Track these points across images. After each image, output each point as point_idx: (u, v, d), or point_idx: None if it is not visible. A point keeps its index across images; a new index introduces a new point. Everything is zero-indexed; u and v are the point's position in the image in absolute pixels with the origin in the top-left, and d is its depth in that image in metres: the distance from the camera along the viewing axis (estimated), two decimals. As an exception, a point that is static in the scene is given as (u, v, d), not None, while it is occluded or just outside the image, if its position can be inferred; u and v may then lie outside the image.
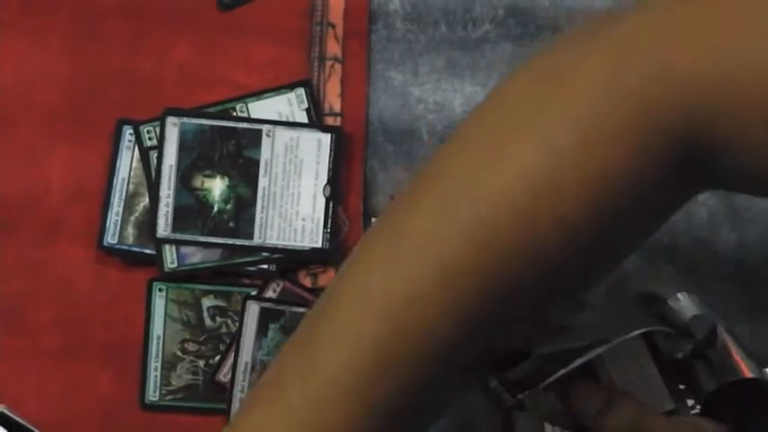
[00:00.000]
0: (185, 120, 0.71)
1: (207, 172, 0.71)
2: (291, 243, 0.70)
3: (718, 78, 0.45)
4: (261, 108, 0.72)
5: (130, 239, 0.71)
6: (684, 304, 0.65)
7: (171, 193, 0.71)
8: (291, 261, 0.70)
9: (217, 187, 0.71)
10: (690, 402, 0.63)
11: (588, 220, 0.47)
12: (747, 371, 0.61)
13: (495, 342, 0.52)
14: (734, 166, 0.47)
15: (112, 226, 0.71)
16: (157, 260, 0.70)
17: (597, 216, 0.47)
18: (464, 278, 0.48)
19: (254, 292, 0.70)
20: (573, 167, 0.47)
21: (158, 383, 0.70)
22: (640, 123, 0.46)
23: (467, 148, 0.50)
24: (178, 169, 0.71)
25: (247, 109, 0.72)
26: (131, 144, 0.72)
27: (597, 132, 0.47)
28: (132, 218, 0.71)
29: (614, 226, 0.48)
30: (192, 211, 0.71)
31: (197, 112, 0.71)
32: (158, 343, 0.70)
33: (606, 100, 0.47)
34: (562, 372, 0.60)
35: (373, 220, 0.71)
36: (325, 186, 0.71)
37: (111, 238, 0.71)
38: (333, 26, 0.74)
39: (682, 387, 0.63)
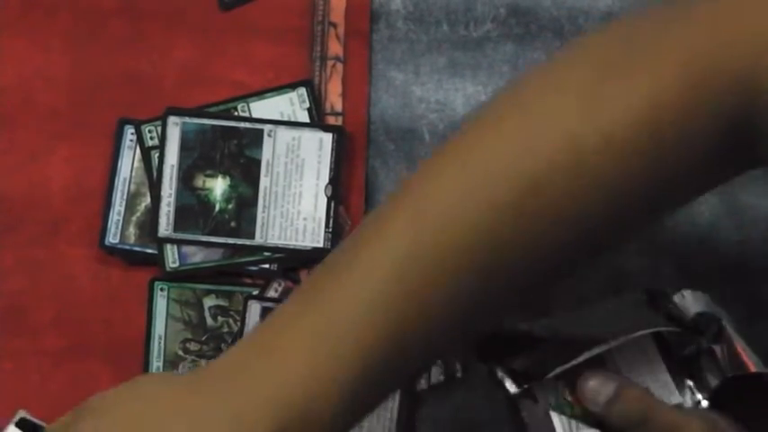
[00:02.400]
0: (187, 119, 0.71)
1: (208, 171, 0.71)
2: (293, 242, 0.70)
3: None
4: (262, 108, 0.72)
5: (132, 239, 0.71)
6: (690, 301, 0.65)
7: (172, 192, 0.71)
8: (293, 260, 0.70)
9: (218, 187, 0.71)
10: (697, 397, 0.63)
11: (633, 143, 0.49)
12: (753, 366, 0.62)
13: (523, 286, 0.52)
14: None
15: (114, 226, 0.71)
16: (159, 260, 0.70)
17: (642, 141, 0.49)
18: (501, 196, 0.50)
19: (255, 292, 0.70)
20: (623, 89, 0.49)
21: (160, 382, 0.70)
22: (693, 73, 0.48)
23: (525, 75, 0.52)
24: (180, 169, 0.71)
25: (249, 108, 0.72)
26: (133, 144, 0.72)
27: (650, 62, 0.49)
28: (134, 217, 0.71)
29: (657, 160, 0.49)
30: (193, 210, 0.71)
31: (198, 112, 0.71)
32: (160, 342, 0.70)
33: (661, 47, 0.49)
34: (572, 363, 0.60)
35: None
36: (326, 186, 0.71)
37: (112, 238, 0.71)
38: (334, 26, 0.74)
39: (689, 382, 0.64)
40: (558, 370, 0.60)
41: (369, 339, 0.50)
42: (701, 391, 0.63)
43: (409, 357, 0.51)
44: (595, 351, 0.61)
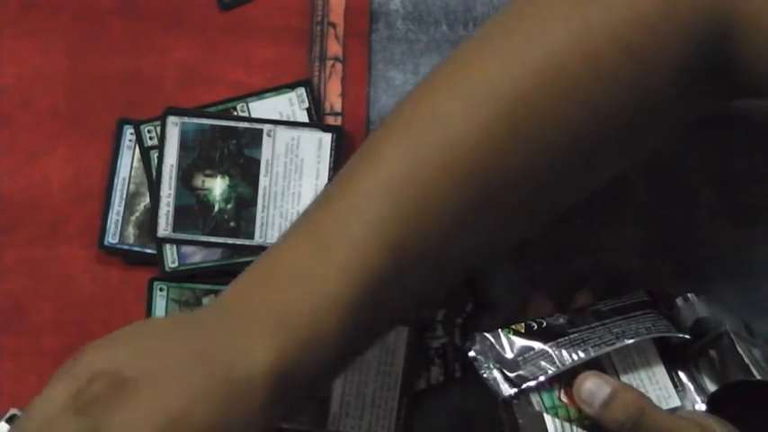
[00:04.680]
0: (186, 119, 0.71)
1: (208, 171, 0.71)
2: (292, 242, 0.70)
3: None
4: (262, 108, 0.72)
5: (131, 239, 0.71)
6: (692, 304, 0.65)
7: (172, 192, 0.71)
8: (292, 260, 0.70)
9: (218, 187, 0.71)
10: (696, 401, 0.63)
11: (615, 63, 0.51)
12: (753, 373, 0.62)
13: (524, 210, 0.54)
14: (750, 54, 0.51)
15: (113, 226, 0.71)
16: (158, 260, 0.70)
17: (622, 61, 0.51)
18: (492, 109, 0.51)
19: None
20: (603, 8, 0.51)
21: (159, 383, 0.70)
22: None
23: (513, 6, 0.55)
24: (179, 169, 0.71)
25: (248, 108, 0.72)
26: (132, 144, 0.72)
27: None
28: (133, 217, 0.71)
29: (639, 82, 0.51)
30: (192, 210, 0.71)
31: (198, 112, 0.71)
32: (159, 343, 0.70)
33: None
34: (569, 365, 0.60)
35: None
36: (326, 186, 0.71)
37: (111, 238, 0.71)
38: (333, 26, 0.74)
39: (689, 385, 0.63)
40: (555, 372, 0.60)
41: (370, 256, 0.50)
42: (699, 394, 0.63)
43: (409, 280, 0.52)
44: (592, 354, 0.61)
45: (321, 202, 0.54)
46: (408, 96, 0.55)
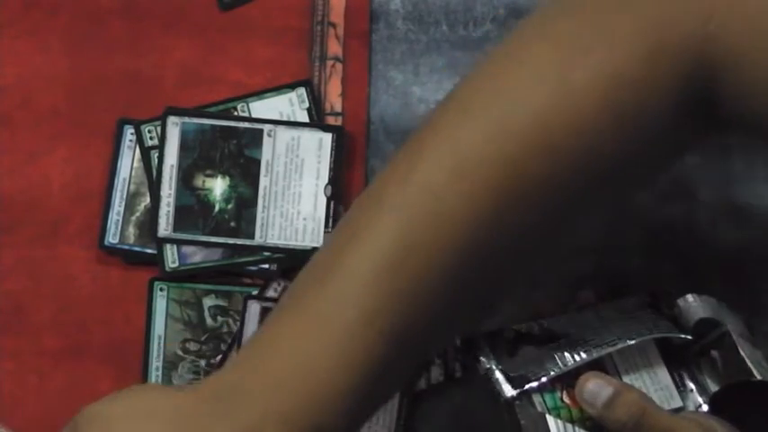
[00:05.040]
0: (186, 119, 0.71)
1: (208, 171, 0.71)
2: (293, 243, 0.70)
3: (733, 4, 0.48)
4: (262, 108, 0.72)
5: (131, 239, 0.71)
6: (693, 305, 0.65)
7: (172, 192, 0.71)
8: (293, 261, 0.70)
9: (218, 187, 0.71)
10: (699, 401, 0.63)
11: (598, 121, 0.50)
12: (754, 373, 0.62)
13: (502, 275, 0.53)
14: (736, 93, 0.49)
15: (113, 226, 0.71)
16: (158, 260, 0.70)
17: (606, 119, 0.50)
18: (481, 177, 0.50)
19: (255, 292, 0.70)
20: (584, 69, 0.50)
21: (160, 383, 0.70)
22: (650, 34, 0.49)
23: (489, 63, 0.53)
24: (179, 169, 0.71)
25: (248, 108, 0.72)
26: (132, 144, 0.72)
27: (607, 40, 0.50)
28: (133, 217, 0.71)
29: (621, 134, 0.50)
30: (193, 210, 0.71)
31: (198, 112, 0.71)
32: (159, 343, 0.70)
33: (618, 15, 0.50)
34: (571, 366, 0.60)
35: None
36: (326, 186, 0.71)
37: (112, 238, 0.71)
38: (334, 26, 0.74)
39: (691, 385, 0.64)
40: (557, 373, 0.60)
41: (368, 344, 0.49)
42: (701, 395, 0.63)
43: (405, 358, 0.51)
44: (594, 355, 0.61)
45: (311, 281, 0.52)
46: (394, 166, 0.53)
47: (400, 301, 0.49)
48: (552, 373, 0.60)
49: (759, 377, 0.61)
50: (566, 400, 0.61)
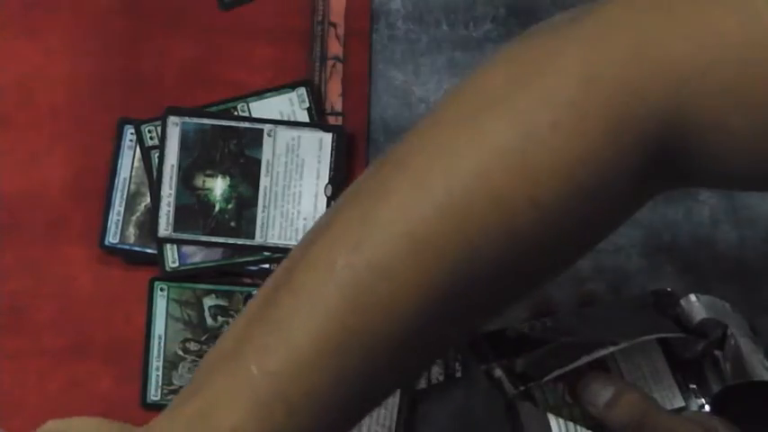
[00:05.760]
0: (186, 119, 0.71)
1: (208, 171, 0.71)
2: (293, 242, 0.70)
3: (696, 60, 0.46)
4: (262, 107, 0.72)
5: (132, 239, 0.71)
6: (696, 305, 0.65)
7: (172, 192, 0.71)
8: (293, 260, 0.70)
9: (218, 187, 0.71)
10: (701, 401, 0.63)
11: (562, 203, 0.47)
12: (756, 374, 0.62)
13: (456, 329, 0.51)
14: (706, 156, 0.48)
15: (114, 225, 0.71)
16: (159, 260, 0.70)
17: (570, 199, 0.47)
18: (435, 255, 0.47)
19: (255, 292, 0.70)
20: (548, 150, 0.47)
21: (160, 383, 0.70)
22: (616, 107, 0.47)
23: (441, 127, 0.49)
24: (179, 169, 0.71)
25: (248, 108, 0.72)
26: (132, 143, 0.72)
27: (573, 115, 0.47)
28: (134, 217, 0.71)
29: (585, 212, 0.48)
30: (193, 210, 0.71)
31: (198, 112, 0.71)
32: (160, 342, 0.70)
33: (583, 85, 0.47)
34: (573, 365, 0.60)
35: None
36: (326, 186, 0.71)
37: (112, 238, 0.71)
38: (334, 25, 0.74)
39: (693, 386, 0.64)
40: (559, 372, 0.60)
41: (305, 421, 0.48)
42: (704, 395, 0.63)
43: (353, 417, 0.50)
44: (596, 354, 0.61)
45: (282, 276, 0.51)
46: (344, 226, 0.49)
47: (343, 382, 0.48)
48: (555, 372, 0.60)
49: (762, 378, 0.61)
50: (568, 399, 0.61)
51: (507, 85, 0.49)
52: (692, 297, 0.65)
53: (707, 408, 0.63)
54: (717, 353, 0.63)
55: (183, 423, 0.48)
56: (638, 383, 0.62)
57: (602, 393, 0.59)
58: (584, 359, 0.60)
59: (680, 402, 0.63)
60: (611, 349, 0.61)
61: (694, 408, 0.63)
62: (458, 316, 0.49)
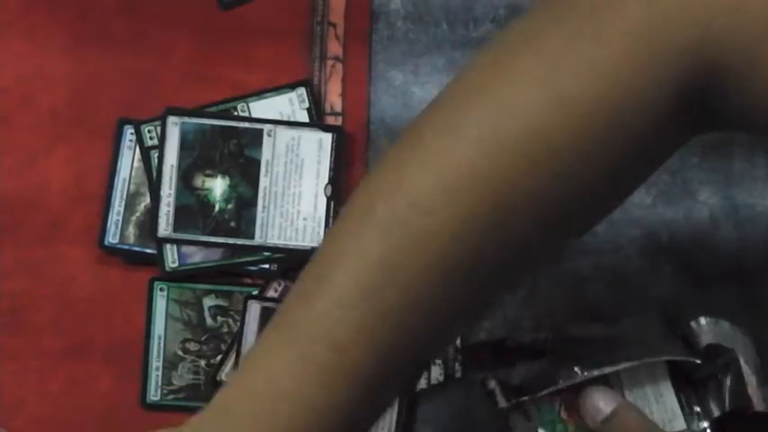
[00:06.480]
0: (186, 119, 0.71)
1: (208, 171, 0.71)
2: (293, 243, 0.70)
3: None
4: (262, 107, 0.72)
5: (131, 239, 0.71)
6: (705, 329, 0.65)
7: (172, 192, 0.71)
8: (293, 261, 0.70)
9: (218, 187, 0.71)
10: (703, 425, 0.63)
11: (600, 140, 0.48)
12: (755, 403, 0.62)
13: (496, 269, 0.51)
14: (738, 95, 0.48)
15: (113, 226, 0.71)
16: (158, 260, 0.70)
17: (607, 137, 0.48)
18: (476, 189, 0.48)
19: (255, 292, 0.70)
20: (581, 87, 0.48)
21: (160, 383, 0.70)
22: (647, 43, 0.48)
23: (476, 72, 0.51)
24: (179, 169, 0.71)
25: (248, 108, 0.72)
26: (132, 144, 0.72)
27: (605, 53, 0.48)
28: (133, 217, 0.71)
29: (622, 151, 0.49)
30: (193, 210, 0.71)
31: (198, 112, 0.71)
32: (159, 342, 0.70)
33: (614, 23, 0.48)
34: (571, 382, 0.60)
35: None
36: (326, 186, 0.71)
37: (112, 238, 0.71)
38: (334, 26, 0.74)
39: (696, 408, 0.63)
40: (555, 388, 0.60)
41: (356, 362, 0.49)
42: (706, 419, 0.63)
43: (396, 372, 0.51)
44: (596, 373, 0.60)
45: (297, 299, 0.51)
46: (383, 176, 0.51)
47: (387, 320, 0.49)
48: (551, 387, 0.60)
49: (758, 408, 0.61)
50: (563, 414, 0.61)
51: (540, 25, 0.50)
52: (702, 320, 0.65)
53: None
54: (721, 377, 0.63)
55: (232, 380, 0.50)
56: (639, 402, 0.62)
57: (601, 408, 0.59)
58: (584, 377, 0.60)
59: (681, 425, 0.63)
60: (613, 369, 0.60)
61: (696, 430, 0.63)
62: (498, 251, 0.50)
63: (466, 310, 0.52)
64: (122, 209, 0.71)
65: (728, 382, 0.63)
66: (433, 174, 0.49)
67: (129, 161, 0.72)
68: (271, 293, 0.70)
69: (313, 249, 0.70)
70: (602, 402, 0.60)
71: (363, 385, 0.49)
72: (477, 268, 0.50)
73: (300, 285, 0.51)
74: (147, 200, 0.71)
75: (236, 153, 0.71)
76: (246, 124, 0.71)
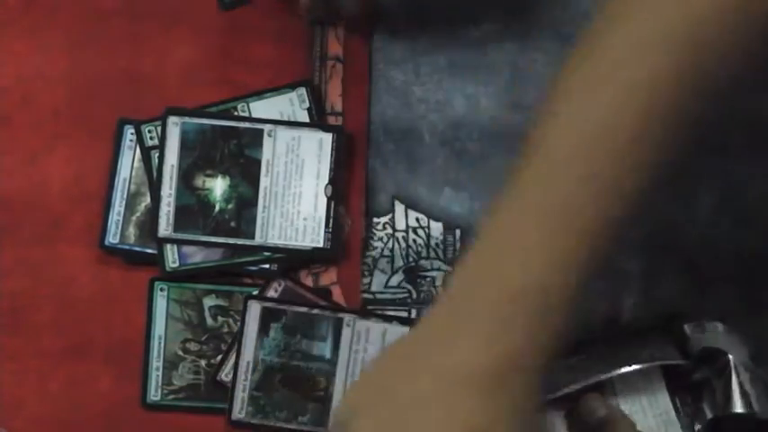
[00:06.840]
0: (187, 119, 0.71)
1: (208, 171, 0.71)
2: (293, 243, 0.70)
3: None
4: (262, 107, 0.72)
5: (132, 239, 0.71)
6: (701, 332, 0.65)
7: (172, 192, 0.70)
8: (293, 260, 0.70)
9: (218, 187, 0.71)
10: (697, 427, 0.63)
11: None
12: (739, 407, 0.62)
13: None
14: None
15: (114, 226, 0.71)
16: (159, 260, 0.70)
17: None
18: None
19: (255, 292, 0.70)
20: None
21: (160, 383, 0.70)
22: None
23: None
24: (179, 169, 0.71)
25: (249, 108, 0.72)
26: (133, 144, 0.72)
27: None
28: (134, 217, 0.71)
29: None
30: (193, 210, 0.71)
31: (198, 112, 0.71)
32: (160, 342, 0.70)
33: None
34: (574, 388, 0.60)
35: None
36: (326, 186, 0.71)
37: (112, 238, 0.71)
38: (334, 25, 0.74)
39: (690, 410, 0.63)
40: (552, 396, 0.60)
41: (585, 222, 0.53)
42: (700, 422, 0.63)
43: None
44: (594, 379, 0.61)
45: (520, 170, 0.54)
46: (587, 54, 0.55)
47: (609, 183, 0.53)
48: (548, 396, 0.60)
49: (741, 410, 0.62)
50: (561, 425, 0.61)
51: None
52: (696, 324, 0.65)
53: None
54: (715, 381, 0.63)
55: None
56: (633, 406, 0.62)
57: (593, 417, 0.60)
58: (580, 384, 0.60)
59: (676, 429, 0.63)
60: (608, 375, 0.61)
61: None
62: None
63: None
64: (123, 209, 0.71)
65: (721, 385, 0.63)
66: (629, 35, 0.53)
67: (129, 161, 0.72)
68: (271, 293, 0.70)
69: (313, 249, 0.70)
70: (594, 404, 0.60)
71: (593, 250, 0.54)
72: (688, 113, 0.55)
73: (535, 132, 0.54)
74: (147, 200, 0.71)
75: (237, 153, 0.71)
76: (247, 124, 0.71)
